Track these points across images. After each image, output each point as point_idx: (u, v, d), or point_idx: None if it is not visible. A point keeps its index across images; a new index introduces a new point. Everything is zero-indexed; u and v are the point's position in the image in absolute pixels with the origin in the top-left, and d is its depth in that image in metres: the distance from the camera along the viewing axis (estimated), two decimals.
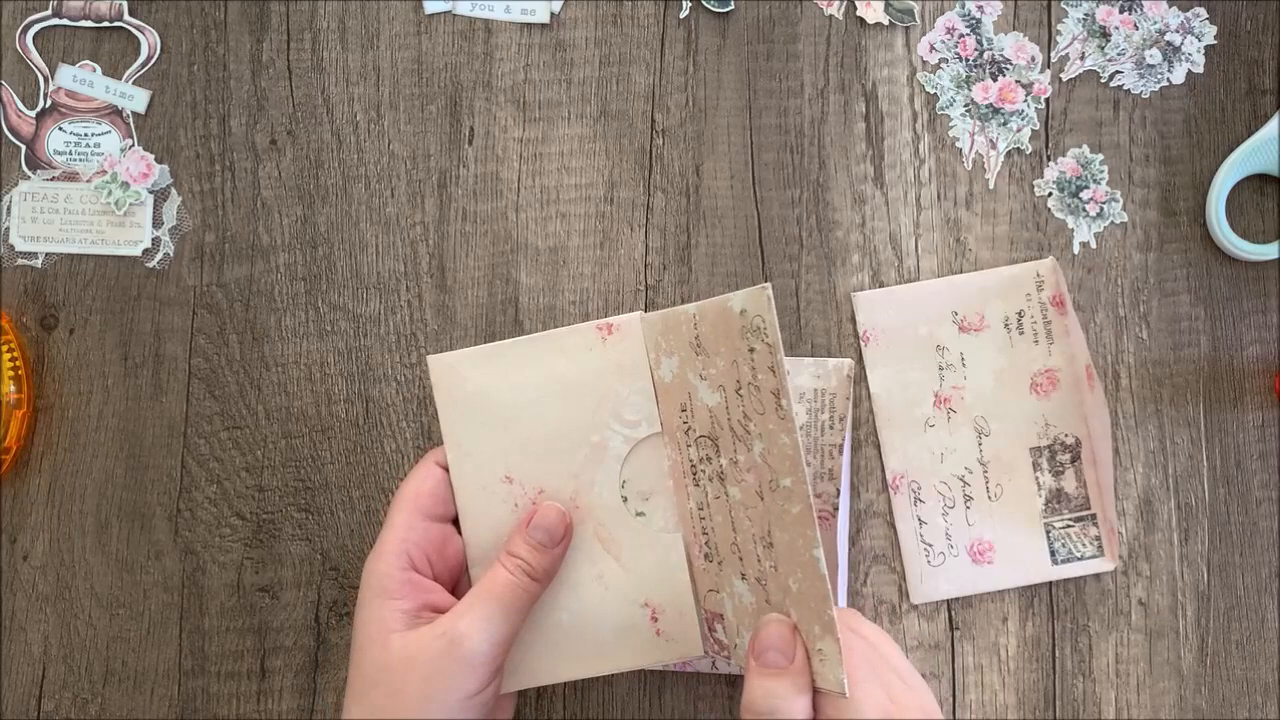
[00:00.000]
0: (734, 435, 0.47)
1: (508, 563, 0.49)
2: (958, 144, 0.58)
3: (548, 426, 0.51)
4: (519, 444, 0.51)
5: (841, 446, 0.56)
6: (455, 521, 0.51)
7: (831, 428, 0.56)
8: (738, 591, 0.48)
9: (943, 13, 0.59)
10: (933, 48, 0.59)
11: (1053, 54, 0.59)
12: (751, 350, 0.45)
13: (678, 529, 0.51)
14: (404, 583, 0.48)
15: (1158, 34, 0.59)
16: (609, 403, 0.50)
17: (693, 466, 0.49)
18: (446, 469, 0.51)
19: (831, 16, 0.59)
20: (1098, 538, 0.56)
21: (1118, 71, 0.59)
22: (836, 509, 0.56)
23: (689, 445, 0.49)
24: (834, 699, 0.44)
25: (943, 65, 0.59)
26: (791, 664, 0.44)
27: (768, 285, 0.44)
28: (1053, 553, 0.56)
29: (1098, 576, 0.56)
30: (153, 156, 0.59)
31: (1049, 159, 0.58)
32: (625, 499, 0.51)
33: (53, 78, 0.59)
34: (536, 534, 0.49)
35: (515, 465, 0.51)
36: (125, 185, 0.58)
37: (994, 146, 0.58)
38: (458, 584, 0.51)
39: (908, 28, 0.59)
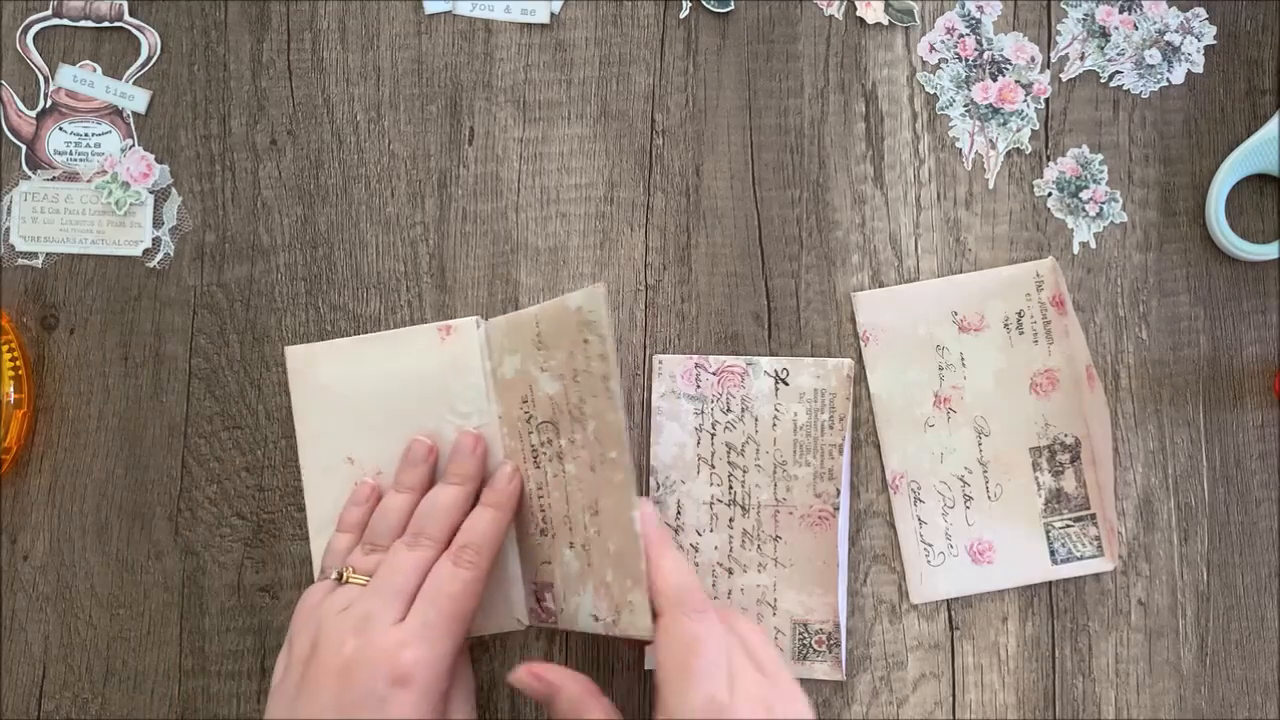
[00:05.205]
0: (571, 417, 0.51)
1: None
2: (957, 144, 0.58)
3: (388, 414, 0.55)
4: (362, 429, 0.56)
5: (841, 446, 0.56)
6: None
7: (831, 428, 0.56)
8: (565, 559, 0.53)
9: (943, 13, 0.59)
10: (933, 48, 0.59)
11: (1052, 54, 0.59)
12: (586, 341, 0.50)
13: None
14: None
15: (1157, 34, 0.59)
16: (444, 396, 0.55)
17: (534, 450, 0.53)
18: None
19: (831, 16, 0.59)
20: (1097, 538, 0.56)
21: (1117, 71, 0.59)
22: (836, 509, 0.56)
23: (530, 432, 0.53)
24: (661, 680, 0.47)
25: (942, 65, 0.59)
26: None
27: (601, 285, 0.49)
28: (1052, 552, 0.56)
29: (1097, 576, 0.56)
30: (153, 156, 0.59)
31: (1049, 159, 0.58)
32: None
33: (53, 78, 0.59)
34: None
35: (357, 448, 0.56)
36: (125, 185, 0.58)
37: (994, 146, 0.58)
38: None
39: (908, 28, 0.59)
